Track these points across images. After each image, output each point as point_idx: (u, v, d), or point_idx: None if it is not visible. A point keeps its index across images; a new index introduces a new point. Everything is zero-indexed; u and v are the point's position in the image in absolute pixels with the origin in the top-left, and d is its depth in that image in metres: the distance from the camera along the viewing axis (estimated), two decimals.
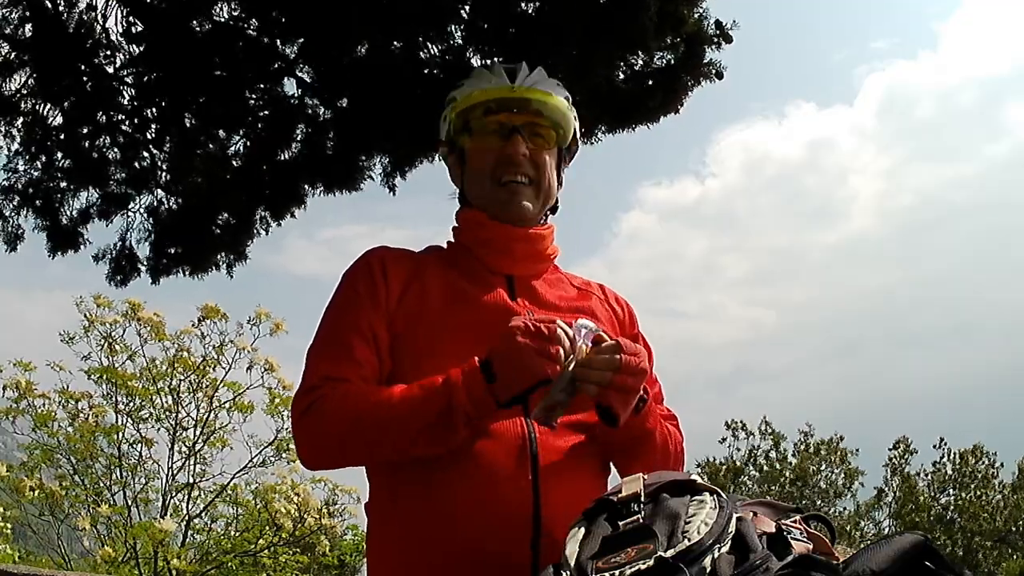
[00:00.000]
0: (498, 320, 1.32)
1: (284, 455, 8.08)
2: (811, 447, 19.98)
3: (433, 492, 1.31)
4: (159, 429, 8.13)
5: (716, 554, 0.93)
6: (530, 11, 3.54)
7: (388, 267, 1.45)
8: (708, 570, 0.91)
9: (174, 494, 8.09)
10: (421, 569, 1.30)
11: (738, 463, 20.00)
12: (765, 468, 19.89)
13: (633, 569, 0.91)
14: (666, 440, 1.42)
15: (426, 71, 3.67)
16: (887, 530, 19.13)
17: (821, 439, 20.07)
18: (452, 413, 1.24)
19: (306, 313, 1.47)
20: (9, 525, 7.28)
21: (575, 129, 1.56)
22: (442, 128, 1.57)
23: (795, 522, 1.05)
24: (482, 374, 1.24)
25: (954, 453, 19.73)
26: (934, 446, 19.95)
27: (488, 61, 1.58)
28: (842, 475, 19.90)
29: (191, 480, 8.15)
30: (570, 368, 1.25)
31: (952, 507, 19.28)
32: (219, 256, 4.51)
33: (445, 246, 1.57)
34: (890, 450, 20.41)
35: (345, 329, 1.40)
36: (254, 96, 4.15)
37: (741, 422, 20.42)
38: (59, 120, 4.18)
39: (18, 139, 4.22)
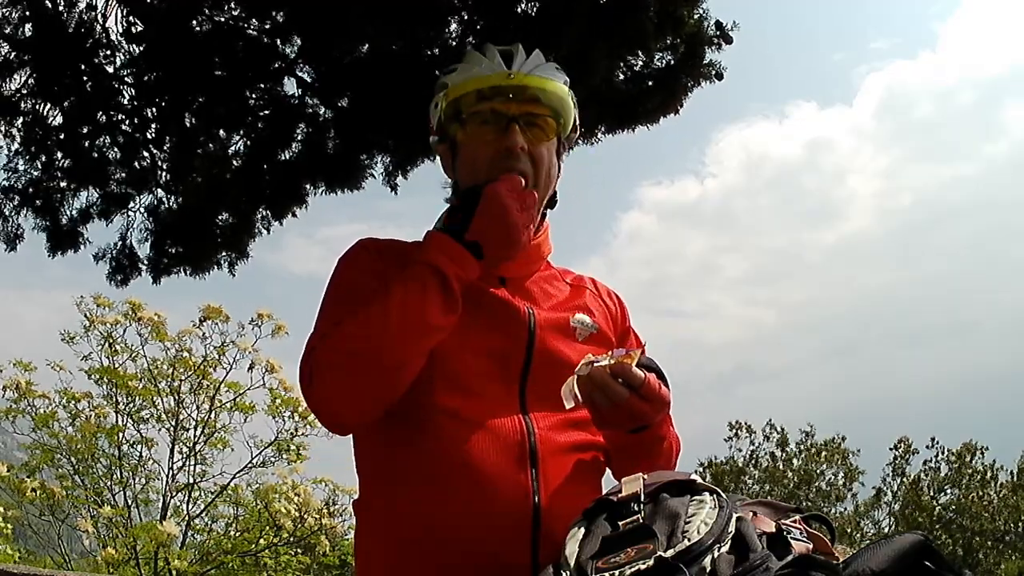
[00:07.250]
0: (499, 311, 1.35)
1: (285, 455, 8.10)
2: (813, 447, 19.98)
3: (429, 489, 1.27)
4: (160, 430, 8.15)
5: (716, 554, 0.93)
6: (530, 11, 3.54)
7: (384, 253, 1.41)
8: (708, 570, 0.91)
9: (174, 494, 8.10)
10: (416, 570, 1.26)
11: (740, 463, 20.01)
12: (768, 468, 19.89)
13: (633, 569, 0.91)
14: (671, 444, 1.40)
15: (426, 71, 3.67)
16: (887, 530, 19.12)
17: (823, 439, 20.09)
18: (439, 276, 1.27)
19: (306, 311, 1.43)
20: (10, 525, 7.29)
21: (575, 116, 1.45)
22: (432, 116, 1.47)
23: (795, 522, 1.05)
24: (458, 219, 1.31)
25: (947, 452, 19.76)
26: (927, 446, 20.01)
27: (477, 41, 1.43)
28: (842, 476, 19.91)
29: (191, 480, 8.17)
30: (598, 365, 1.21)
31: (952, 507, 19.28)
32: (220, 255, 4.51)
33: None
34: (891, 450, 20.45)
35: (349, 302, 1.32)
36: (254, 96, 4.15)
37: (746, 423, 20.45)
38: (59, 120, 4.18)
39: (18, 139, 4.22)
